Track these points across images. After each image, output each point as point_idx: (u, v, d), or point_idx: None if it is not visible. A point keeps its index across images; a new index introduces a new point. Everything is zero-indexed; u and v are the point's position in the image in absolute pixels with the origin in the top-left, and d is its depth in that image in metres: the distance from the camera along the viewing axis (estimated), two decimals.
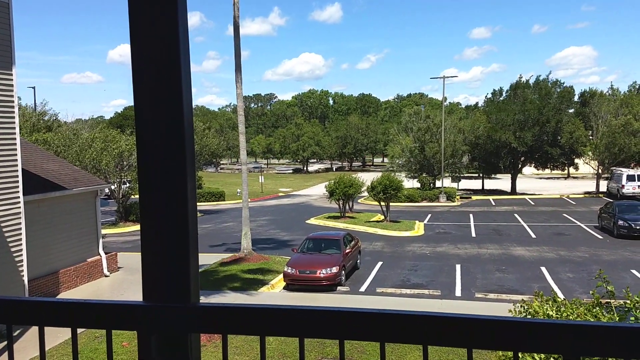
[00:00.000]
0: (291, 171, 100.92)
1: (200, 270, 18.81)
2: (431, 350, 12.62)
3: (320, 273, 17.99)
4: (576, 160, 54.68)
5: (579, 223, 32.09)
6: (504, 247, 25.22)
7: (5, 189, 12.87)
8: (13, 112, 13.04)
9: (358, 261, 21.34)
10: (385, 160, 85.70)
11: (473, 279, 19.46)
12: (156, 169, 1.39)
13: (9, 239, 13.02)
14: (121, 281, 19.30)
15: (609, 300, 7.24)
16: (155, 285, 1.40)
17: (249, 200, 26.42)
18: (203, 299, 1.54)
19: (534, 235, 28.36)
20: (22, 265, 13.45)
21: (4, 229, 12.92)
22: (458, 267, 21.26)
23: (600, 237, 27.50)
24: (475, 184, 58.29)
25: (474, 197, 49.46)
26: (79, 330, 1.50)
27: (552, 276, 19.52)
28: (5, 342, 1.54)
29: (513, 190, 52.35)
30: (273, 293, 18.28)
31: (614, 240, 26.40)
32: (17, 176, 13.18)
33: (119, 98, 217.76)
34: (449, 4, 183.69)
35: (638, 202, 31.86)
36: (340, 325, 1.28)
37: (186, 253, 1.39)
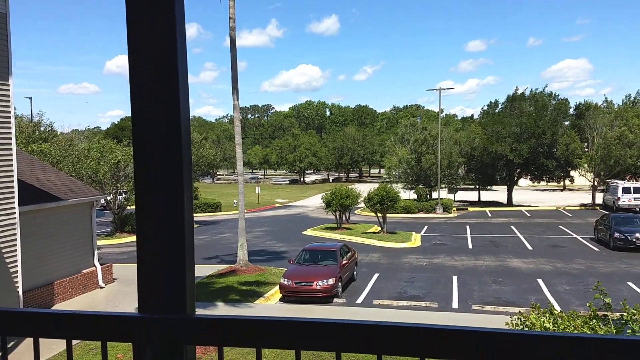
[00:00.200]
0: (288, 182, 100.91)
1: (196, 281, 18.74)
2: None
3: (316, 285, 17.92)
4: (572, 173, 54.89)
5: (575, 235, 32.12)
6: (500, 259, 25.20)
7: (1, 200, 12.82)
8: (9, 122, 13.03)
9: (355, 273, 21.28)
10: (382, 171, 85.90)
11: (470, 291, 19.41)
12: (153, 180, 1.39)
13: (3, 250, 12.95)
14: (116, 293, 19.19)
15: (606, 313, 7.23)
16: (151, 296, 1.40)
17: (246, 211, 26.37)
18: (199, 311, 1.54)
19: (530, 247, 28.36)
20: (17, 276, 13.36)
21: None
22: (455, 278, 21.22)
23: (596, 249, 27.51)
24: (472, 196, 58.37)
25: (471, 209, 49.50)
26: (74, 342, 1.49)
27: (549, 288, 19.50)
28: (0, 354, 1.53)
29: (509, 202, 52.44)
30: (269, 305, 18.19)
31: (610, 252, 26.41)
32: (12, 187, 13.14)
33: (116, 109, 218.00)
34: (444, 16, 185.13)
35: (634, 214, 31.94)
36: (337, 338, 1.28)
37: (182, 264, 1.39)
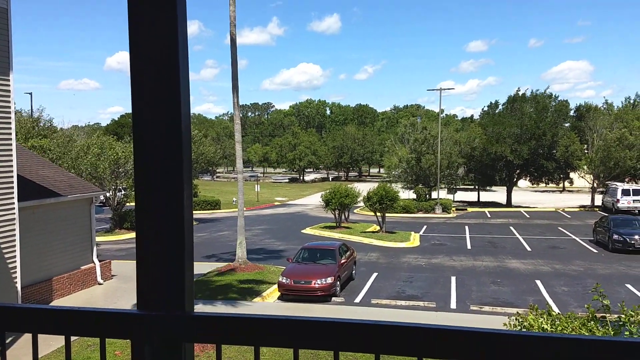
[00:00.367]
0: (287, 180, 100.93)
1: (195, 279, 18.66)
2: None
3: (315, 283, 17.93)
4: (571, 174, 54.89)
5: (574, 237, 32.14)
6: (499, 260, 25.22)
7: (0, 195, 12.81)
8: (9, 117, 13.02)
9: (353, 272, 21.29)
10: (382, 170, 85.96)
11: (468, 291, 19.43)
12: (153, 178, 1.39)
13: (2, 245, 12.95)
14: (115, 289, 19.19)
15: (604, 315, 7.24)
16: (150, 293, 1.40)
17: (245, 209, 26.37)
18: (197, 309, 1.54)
19: (529, 248, 28.38)
20: (15, 272, 13.36)
21: None
22: (453, 279, 21.23)
23: (595, 250, 27.53)
24: (471, 196, 58.40)
25: (470, 209, 49.52)
26: (72, 338, 1.49)
27: (547, 289, 19.52)
28: None
29: (508, 203, 52.46)
30: (267, 303, 18.20)
31: (608, 254, 26.43)
32: (12, 182, 13.13)
33: (116, 105, 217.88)
34: (446, 17, 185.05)
35: (633, 216, 31.95)
36: (335, 337, 1.28)
37: (181, 262, 1.39)
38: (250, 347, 1.37)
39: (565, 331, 7.30)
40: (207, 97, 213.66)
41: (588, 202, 50.68)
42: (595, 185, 49.33)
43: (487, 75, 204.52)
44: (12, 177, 13.13)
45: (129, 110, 1.41)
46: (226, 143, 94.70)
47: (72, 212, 18.32)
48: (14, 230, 13.26)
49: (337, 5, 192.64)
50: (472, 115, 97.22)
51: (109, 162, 29.78)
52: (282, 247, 28.59)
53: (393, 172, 51.44)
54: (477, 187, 57.60)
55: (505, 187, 54.49)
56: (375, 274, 22.03)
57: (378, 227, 33.77)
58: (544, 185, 57.87)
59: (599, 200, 48.42)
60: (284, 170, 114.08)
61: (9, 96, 12.94)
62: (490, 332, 1.20)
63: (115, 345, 12.28)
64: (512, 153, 49.25)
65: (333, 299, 18.35)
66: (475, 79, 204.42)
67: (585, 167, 49.27)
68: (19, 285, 13.55)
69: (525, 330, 7.60)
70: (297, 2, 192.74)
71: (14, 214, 13.23)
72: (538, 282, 20.67)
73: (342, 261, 19.84)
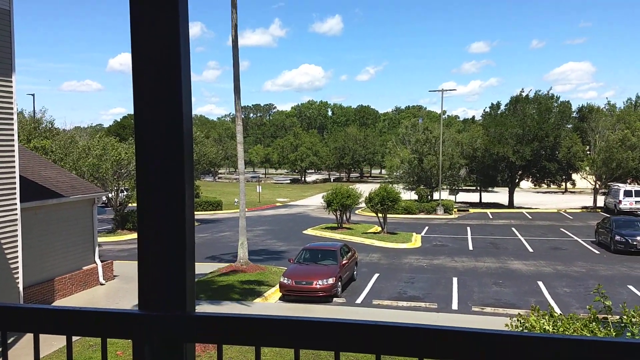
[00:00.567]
0: (289, 181, 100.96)
1: (196, 279, 18.67)
2: None
3: (316, 284, 17.93)
4: (573, 176, 54.80)
5: (576, 238, 32.10)
6: (501, 261, 25.19)
7: (3, 196, 12.84)
8: (12, 119, 13.04)
9: (354, 272, 21.28)
10: (383, 171, 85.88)
11: (470, 292, 19.41)
12: (154, 178, 1.39)
13: (5, 246, 12.97)
14: (117, 290, 19.21)
15: (606, 316, 7.22)
16: (151, 294, 1.40)
17: (246, 210, 26.39)
18: (199, 309, 1.54)
19: (531, 249, 28.34)
20: (17, 272, 13.38)
21: (0, 236, 12.87)
22: (455, 280, 21.21)
23: (597, 252, 27.49)
24: (473, 197, 58.34)
25: (472, 210, 49.46)
26: (74, 338, 1.50)
27: (549, 290, 19.49)
28: (0, 349, 1.53)
29: (510, 204, 52.40)
30: (269, 304, 18.20)
31: (610, 255, 26.39)
32: (14, 183, 13.15)
33: (118, 106, 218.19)
34: (447, 18, 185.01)
35: (635, 217, 31.91)
36: (335, 337, 1.28)
37: (183, 262, 1.39)
38: (251, 347, 1.37)
39: (566, 332, 7.29)
40: (209, 99, 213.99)
41: (590, 203, 50.61)
42: (597, 186, 49.27)
43: (489, 76, 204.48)
44: (14, 178, 13.15)
45: (131, 112, 1.41)
46: (228, 144, 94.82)
47: (74, 212, 18.34)
48: (16, 230, 13.29)
49: (339, 7, 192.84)
50: (473, 116, 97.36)
51: (111, 162, 29.82)
52: (283, 248, 28.59)
53: (394, 173, 51.41)
54: (479, 188, 57.54)
55: (507, 188, 54.44)
56: (376, 275, 22.01)
57: (379, 228, 33.75)
58: (546, 186, 57.83)
59: (601, 201, 48.35)
60: (285, 171, 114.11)
61: (11, 97, 12.97)
62: (491, 332, 1.20)
63: (117, 345, 12.29)
64: (514, 154, 49.19)
65: (334, 299, 18.34)
66: (477, 80, 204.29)
67: (587, 168, 49.20)
68: (20, 286, 13.57)
69: (527, 331, 7.59)
70: (298, 3, 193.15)
71: (16, 214, 13.25)
72: (540, 283, 20.64)
73: (344, 262, 19.84)
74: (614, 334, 6.95)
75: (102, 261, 19.89)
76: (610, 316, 7.22)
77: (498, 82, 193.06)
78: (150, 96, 1.39)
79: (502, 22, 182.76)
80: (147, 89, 1.39)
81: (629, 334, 6.78)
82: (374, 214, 34.53)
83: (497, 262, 24.99)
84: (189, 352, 1.40)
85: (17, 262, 13.37)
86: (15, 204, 13.22)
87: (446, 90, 50.63)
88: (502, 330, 1.24)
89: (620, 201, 42.23)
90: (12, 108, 13.04)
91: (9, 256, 13.09)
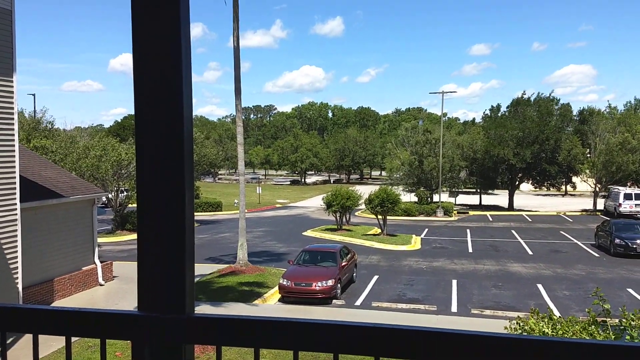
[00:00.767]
0: (289, 183, 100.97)
1: (195, 281, 18.65)
2: None
3: (315, 286, 17.92)
4: (574, 179, 54.79)
5: (575, 241, 32.09)
6: (500, 263, 25.18)
7: (3, 196, 12.84)
8: (13, 119, 13.05)
9: (354, 274, 21.27)
10: (383, 173, 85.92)
11: (469, 294, 19.40)
12: (154, 179, 1.39)
13: (4, 246, 12.97)
14: (116, 290, 19.20)
15: (605, 319, 7.22)
16: (151, 295, 1.40)
17: (246, 211, 26.38)
18: (198, 310, 1.54)
19: (530, 252, 28.34)
20: (17, 273, 13.38)
21: (0, 236, 12.87)
22: (454, 282, 21.20)
23: (597, 255, 27.48)
24: (473, 199, 58.33)
25: (471, 213, 49.47)
26: (73, 339, 1.49)
27: (549, 293, 19.48)
28: None
29: (510, 207, 52.39)
30: (268, 305, 18.19)
31: (610, 258, 26.38)
32: (14, 183, 13.16)
33: (119, 107, 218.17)
34: (448, 20, 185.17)
35: (635, 220, 31.92)
36: (335, 339, 1.28)
37: (182, 263, 1.39)
38: (250, 349, 1.38)
39: (566, 335, 7.28)
40: (210, 100, 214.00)
41: (590, 206, 50.60)
42: (597, 189, 49.27)
43: (489, 78, 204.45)
44: (14, 178, 13.15)
45: (132, 112, 1.41)
46: (228, 145, 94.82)
47: (74, 213, 18.34)
48: (16, 231, 13.28)
49: (340, 9, 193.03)
50: (474, 119, 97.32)
51: (111, 163, 29.82)
52: (283, 250, 28.58)
53: (395, 175, 51.41)
54: (479, 190, 57.54)
55: (507, 191, 54.43)
56: (376, 277, 22.00)
57: (379, 230, 33.73)
58: (546, 189, 57.82)
59: (601, 204, 48.36)
60: (285, 172, 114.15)
61: (12, 97, 12.97)
62: (491, 335, 1.20)
63: (116, 346, 12.29)
64: (514, 156, 49.20)
65: (334, 301, 18.33)
66: (477, 82, 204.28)
67: (587, 171, 49.22)
68: (20, 286, 13.56)
69: (526, 334, 7.58)
70: (300, 5, 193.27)
71: (16, 214, 13.25)
72: (539, 285, 20.64)
73: (343, 264, 19.83)
74: (613, 337, 6.95)
75: (101, 262, 19.88)
76: (609, 319, 7.21)
77: (499, 85, 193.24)
78: (150, 96, 1.39)
79: (504, 25, 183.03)
80: (147, 89, 1.39)
81: (628, 337, 6.78)
82: (373, 216, 34.52)
83: (497, 264, 24.99)
84: (188, 354, 1.40)
85: (16, 262, 13.36)
86: (15, 204, 13.22)
87: (446, 92, 50.85)
88: (501, 333, 1.24)
89: (620, 204, 42.22)
90: (12, 108, 13.04)
91: (8, 256, 13.09)
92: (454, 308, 17.76)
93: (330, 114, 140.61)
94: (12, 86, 12.93)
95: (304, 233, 34.88)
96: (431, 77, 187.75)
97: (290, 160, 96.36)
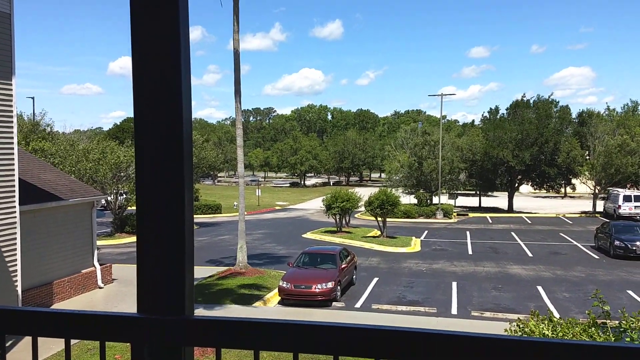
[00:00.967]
0: (288, 185, 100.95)
1: (195, 283, 18.73)
2: None
3: (315, 288, 17.90)
4: (573, 181, 54.81)
5: (575, 242, 32.09)
6: (500, 265, 25.17)
7: (2, 199, 12.83)
8: (12, 122, 13.05)
9: (354, 277, 21.26)
10: (383, 175, 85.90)
11: (469, 296, 19.39)
12: (154, 181, 1.39)
13: (3, 249, 12.95)
14: (115, 293, 19.18)
15: (605, 321, 7.22)
16: (150, 297, 1.40)
17: (246, 213, 26.37)
18: (197, 313, 1.54)
19: (530, 254, 28.33)
20: (16, 275, 13.36)
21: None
22: (454, 284, 21.19)
23: (596, 257, 27.48)
24: (472, 201, 58.34)
25: (471, 215, 49.46)
26: (72, 342, 1.49)
27: (548, 295, 19.47)
28: None
29: (510, 208, 52.39)
30: (267, 308, 18.17)
31: (610, 260, 26.38)
32: (13, 186, 13.15)
33: (118, 110, 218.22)
34: (447, 23, 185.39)
35: (634, 222, 31.91)
36: (334, 341, 1.28)
37: (182, 266, 1.39)
38: (250, 351, 1.37)
39: (566, 337, 7.28)
40: (209, 102, 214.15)
41: (590, 208, 50.62)
42: (596, 191, 49.29)
43: (488, 80, 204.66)
44: (13, 180, 13.15)
45: (131, 115, 1.41)
46: (227, 147, 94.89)
47: (73, 215, 18.33)
48: (15, 233, 13.27)
49: (340, 11, 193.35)
50: (473, 121, 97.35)
51: (110, 166, 29.81)
52: (282, 252, 28.56)
53: (394, 177, 51.42)
54: (478, 192, 57.55)
55: (506, 193, 54.44)
56: (376, 279, 21.99)
57: (379, 232, 33.72)
58: (545, 191, 57.84)
59: (600, 206, 48.37)
60: (285, 174, 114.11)
61: (11, 100, 12.98)
62: (491, 337, 1.20)
63: (115, 348, 12.26)
64: (513, 158, 49.23)
65: (333, 303, 18.32)
66: (477, 85, 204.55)
67: (586, 173, 49.25)
68: (19, 289, 13.55)
69: (526, 336, 7.57)
70: (299, 8, 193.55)
71: (15, 217, 13.24)
72: (539, 287, 20.63)
73: (343, 266, 19.82)
74: (613, 339, 6.94)
75: (100, 264, 19.86)
76: (609, 321, 7.21)
77: (498, 87, 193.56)
78: (150, 99, 1.39)
79: (503, 27, 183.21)
80: (147, 91, 1.39)
81: (628, 339, 6.77)
82: (373, 218, 34.51)
83: (497, 266, 24.98)
84: (187, 356, 1.40)
85: (15, 265, 13.35)
86: (15, 206, 13.21)
87: (446, 94, 50.95)
88: (501, 335, 1.24)
89: (619, 206, 42.22)
90: (11, 111, 13.04)
91: (7, 259, 13.08)
92: (454, 310, 17.75)
93: (329, 117, 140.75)
94: (11, 89, 12.93)
95: (304, 235, 34.86)
96: (430, 80, 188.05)
97: (290, 162, 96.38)
